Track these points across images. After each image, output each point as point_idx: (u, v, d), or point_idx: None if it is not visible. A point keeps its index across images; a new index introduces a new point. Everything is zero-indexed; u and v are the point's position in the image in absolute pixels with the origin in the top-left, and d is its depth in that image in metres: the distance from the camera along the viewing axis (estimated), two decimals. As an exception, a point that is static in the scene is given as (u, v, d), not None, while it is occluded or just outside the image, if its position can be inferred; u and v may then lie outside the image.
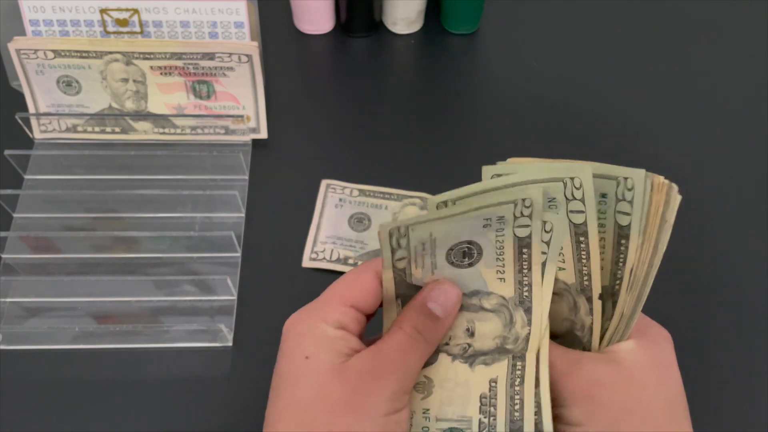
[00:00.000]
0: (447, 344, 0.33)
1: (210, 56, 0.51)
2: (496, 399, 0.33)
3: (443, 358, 0.33)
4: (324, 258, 0.51)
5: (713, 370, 0.48)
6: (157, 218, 0.52)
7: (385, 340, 0.31)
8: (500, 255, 0.32)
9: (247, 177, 0.55)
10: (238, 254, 0.51)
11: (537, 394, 0.32)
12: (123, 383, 0.46)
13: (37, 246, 0.51)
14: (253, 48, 0.51)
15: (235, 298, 0.49)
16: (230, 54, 0.51)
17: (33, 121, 0.55)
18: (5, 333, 0.47)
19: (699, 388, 0.33)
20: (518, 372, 0.32)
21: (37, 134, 0.55)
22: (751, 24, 0.69)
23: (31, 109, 0.55)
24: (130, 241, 0.51)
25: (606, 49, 0.66)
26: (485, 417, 0.33)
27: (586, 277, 0.32)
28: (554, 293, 0.33)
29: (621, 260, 0.31)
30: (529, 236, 0.31)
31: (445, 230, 0.31)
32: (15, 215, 0.52)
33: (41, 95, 0.54)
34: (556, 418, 0.31)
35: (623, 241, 0.31)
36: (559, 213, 0.31)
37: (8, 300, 0.48)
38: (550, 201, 0.31)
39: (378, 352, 0.30)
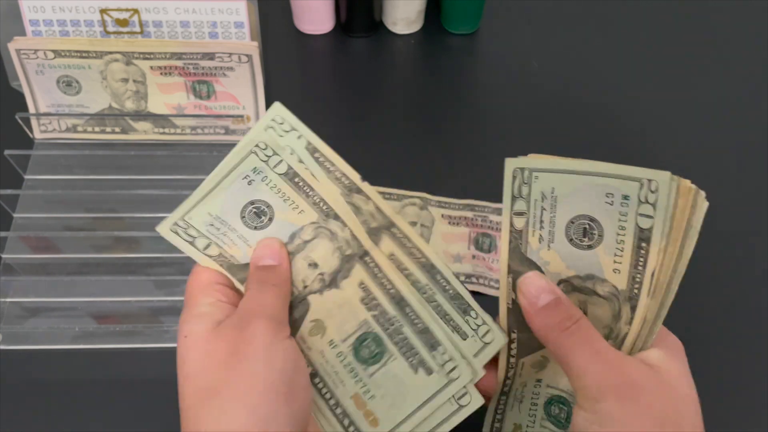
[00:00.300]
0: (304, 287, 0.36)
1: (210, 56, 0.51)
2: (372, 292, 0.35)
3: (313, 298, 0.36)
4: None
5: (725, 382, 0.48)
6: (157, 218, 0.52)
7: (243, 299, 0.34)
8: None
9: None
10: (238, 254, 0.51)
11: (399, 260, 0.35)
12: (123, 383, 0.46)
13: (37, 246, 0.51)
14: (253, 48, 0.51)
15: (235, 298, 0.49)
16: (230, 54, 0.51)
17: (33, 121, 0.55)
18: (5, 333, 0.47)
19: (710, 399, 0.33)
20: (371, 264, 0.35)
21: (37, 134, 0.55)
22: (752, 22, 0.69)
23: (31, 109, 0.55)
24: (130, 241, 0.51)
25: (606, 48, 0.66)
26: (373, 310, 0.35)
27: (637, 285, 0.31)
28: (602, 297, 0.33)
29: (641, 264, 0.31)
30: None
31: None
32: (15, 215, 0.52)
33: (41, 95, 0.54)
34: (581, 406, 0.31)
35: (644, 245, 0.30)
36: (629, 213, 0.31)
37: (8, 300, 0.48)
38: (624, 198, 0.31)
39: (240, 307, 0.34)
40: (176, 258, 0.50)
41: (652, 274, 0.30)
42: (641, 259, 0.31)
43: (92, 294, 0.49)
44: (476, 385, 0.37)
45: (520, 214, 0.32)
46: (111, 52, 0.51)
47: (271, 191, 0.35)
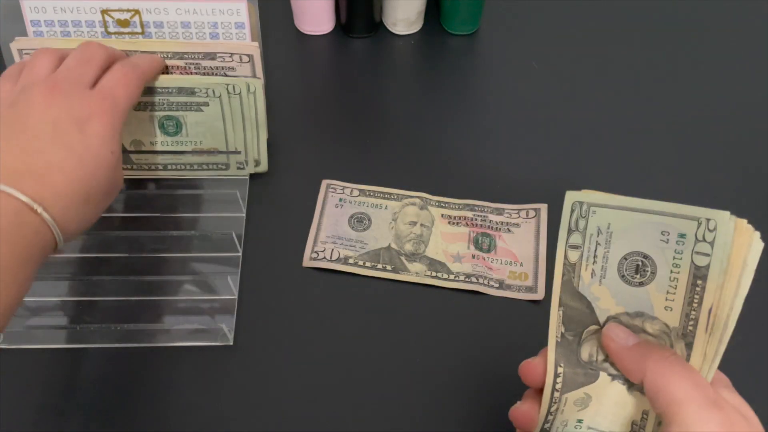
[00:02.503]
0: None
1: (211, 56, 0.51)
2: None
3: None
4: (324, 258, 0.51)
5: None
6: (157, 218, 0.52)
7: None
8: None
9: (247, 177, 0.55)
10: (239, 254, 0.51)
11: None
12: (123, 383, 0.46)
13: (38, 246, 0.51)
14: (254, 48, 0.51)
15: (235, 297, 0.49)
16: (231, 54, 0.51)
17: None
18: (5, 333, 0.47)
19: None
20: None
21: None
22: (753, 23, 0.69)
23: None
24: (131, 240, 0.51)
25: (606, 49, 0.66)
26: None
27: (692, 323, 0.32)
28: (652, 335, 0.33)
29: (696, 301, 0.31)
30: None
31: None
32: (16, 215, 0.52)
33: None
34: None
35: (699, 282, 0.31)
36: (684, 252, 0.31)
37: (9, 300, 0.48)
38: (680, 236, 0.31)
39: None
40: (176, 258, 0.50)
41: (710, 311, 0.31)
42: (696, 296, 0.31)
43: (92, 294, 0.49)
44: (517, 418, 0.37)
45: (575, 247, 0.33)
46: (112, 53, 0.51)
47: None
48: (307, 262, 0.51)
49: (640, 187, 0.56)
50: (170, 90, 0.50)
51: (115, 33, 0.52)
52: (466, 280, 0.50)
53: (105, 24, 0.52)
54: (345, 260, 0.51)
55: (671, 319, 0.32)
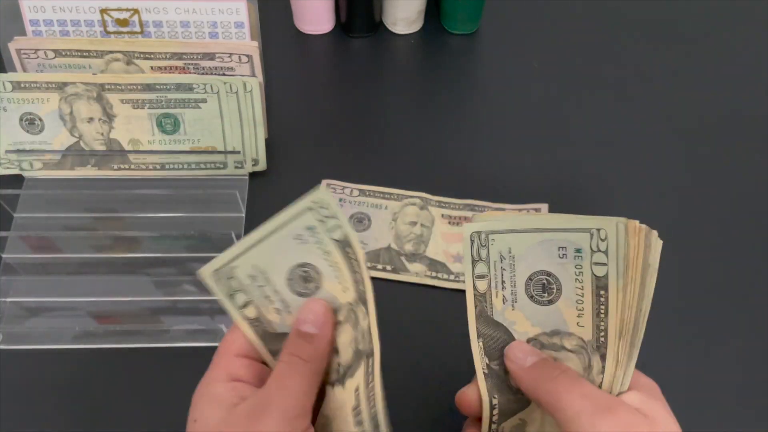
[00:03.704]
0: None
1: (210, 56, 0.51)
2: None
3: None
4: (324, 258, 0.51)
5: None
6: (157, 218, 0.52)
7: (268, 379, 0.32)
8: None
9: (247, 176, 0.55)
10: (238, 254, 0.51)
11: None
12: (123, 383, 0.46)
13: (38, 246, 0.51)
14: (254, 48, 0.51)
15: (235, 297, 0.49)
16: (230, 54, 0.51)
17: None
18: (5, 333, 0.47)
19: None
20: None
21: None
22: (755, 24, 0.69)
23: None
24: (131, 240, 0.51)
25: (606, 48, 0.66)
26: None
27: (602, 334, 0.32)
28: (570, 351, 0.33)
29: (602, 312, 0.31)
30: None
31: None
32: (15, 215, 0.52)
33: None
34: None
35: (602, 292, 0.31)
36: (583, 265, 0.31)
37: (8, 300, 0.48)
38: (576, 251, 0.31)
39: (260, 390, 0.31)
40: (176, 258, 0.50)
41: (619, 317, 0.31)
42: (602, 307, 0.31)
43: (92, 294, 0.49)
44: None
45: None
46: (111, 52, 0.51)
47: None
48: (306, 262, 0.51)
49: (641, 187, 0.56)
50: (168, 87, 0.50)
51: (114, 32, 0.52)
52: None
53: (104, 23, 0.52)
54: (345, 260, 0.51)
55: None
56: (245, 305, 0.33)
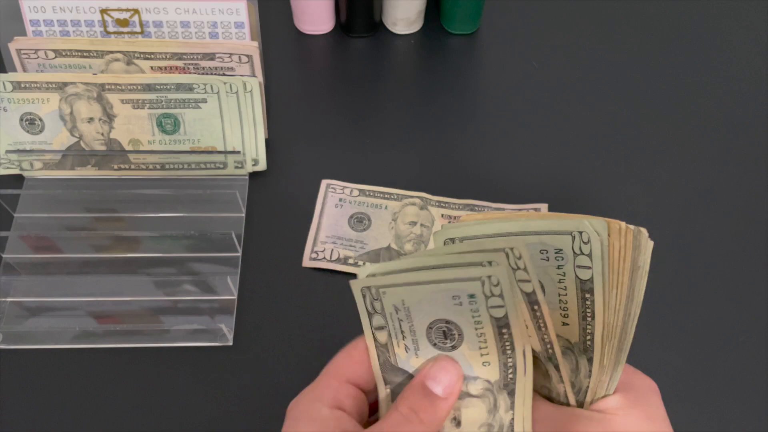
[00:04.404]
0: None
1: (210, 56, 0.51)
2: None
3: None
4: (324, 258, 0.51)
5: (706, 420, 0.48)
6: (157, 218, 0.52)
7: (380, 423, 0.30)
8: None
9: (247, 177, 0.55)
10: (239, 254, 0.51)
11: None
12: (123, 383, 0.46)
13: (38, 246, 0.51)
14: (254, 48, 0.51)
15: (235, 297, 0.49)
16: (230, 54, 0.51)
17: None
18: (5, 333, 0.47)
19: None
20: None
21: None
22: (755, 24, 0.69)
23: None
24: (131, 240, 0.51)
25: (606, 48, 0.66)
26: None
27: (589, 337, 0.31)
28: (475, 396, 0.32)
29: (588, 315, 0.30)
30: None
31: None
32: (15, 215, 0.52)
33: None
34: None
35: (587, 296, 0.30)
36: (565, 266, 0.30)
37: (8, 300, 0.48)
38: (557, 252, 0.30)
39: None
40: (176, 258, 0.50)
41: (605, 321, 0.30)
42: (588, 311, 0.30)
43: (92, 294, 0.49)
44: None
45: (380, 328, 0.32)
46: (111, 52, 0.51)
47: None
48: (306, 262, 0.51)
49: (642, 186, 0.56)
50: (168, 87, 0.50)
51: (114, 32, 0.52)
52: None
53: (104, 23, 0.52)
54: (345, 260, 0.51)
55: (492, 374, 0.31)
56: (380, 329, 0.31)
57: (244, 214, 0.53)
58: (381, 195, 0.54)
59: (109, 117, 0.52)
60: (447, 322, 0.31)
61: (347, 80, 0.63)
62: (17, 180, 0.54)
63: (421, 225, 0.53)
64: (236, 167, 0.54)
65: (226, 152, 0.54)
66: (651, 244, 0.30)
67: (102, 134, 0.52)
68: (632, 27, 0.68)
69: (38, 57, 0.51)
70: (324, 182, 0.55)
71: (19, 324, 0.48)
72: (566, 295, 0.31)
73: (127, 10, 0.51)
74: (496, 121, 0.60)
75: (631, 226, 0.29)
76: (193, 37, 0.53)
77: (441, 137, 0.59)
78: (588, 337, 0.31)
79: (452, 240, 0.32)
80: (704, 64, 0.65)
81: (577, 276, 0.30)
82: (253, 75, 0.53)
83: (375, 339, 0.32)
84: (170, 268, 0.50)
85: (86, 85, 0.50)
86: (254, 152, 0.54)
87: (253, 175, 0.55)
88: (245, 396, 0.45)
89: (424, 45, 0.66)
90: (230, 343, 0.47)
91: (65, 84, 0.50)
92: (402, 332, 0.31)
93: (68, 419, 0.44)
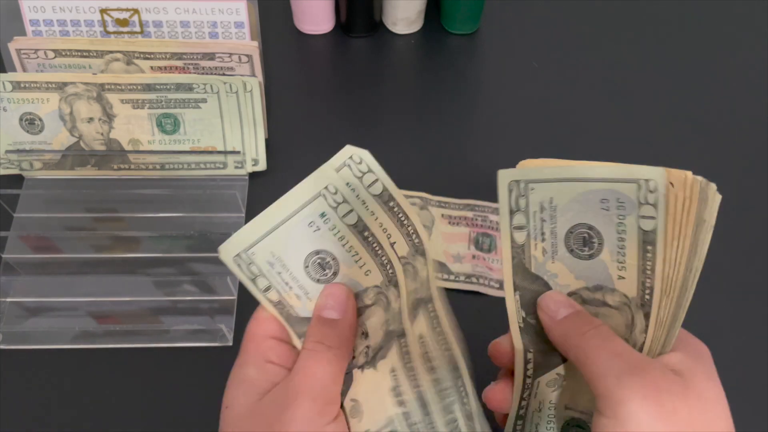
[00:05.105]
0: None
1: (210, 56, 0.51)
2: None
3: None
4: (324, 258, 0.51)
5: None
6: (157, 218, 0.52)
7: (294, 366, 0.31)
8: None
9: (247, 177, 0.55)
10: (238, 254, 0.51)
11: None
12: (123, 383, 0.46)
13: (38, 246, 0.51)
14: (254, 48, 0.51)
15: (235, 297, 0.49)
16: (230, 54, 0.51)
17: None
18: (5, 333, 0.47)
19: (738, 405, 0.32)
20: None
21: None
22: (754, 24, 0.69)
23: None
24: (131, 240, 0.51)
25: (606, 49, 0.66)
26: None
27: (648, 291, 0.30)
28: (613, 307, 0.31)
29: (648, 268, 0.29)
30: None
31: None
32: (15, 215, 0.52)
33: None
34: (603, 413, 0.29)
35: (649, 248, 0.29)
36: (627, 217, 0.29)
37: (8, 300, 0.48)
38: (619, 202, 0.29)
39: (288, 379, 0.30)
40: (176, 258, 0.50)
41: (663, 275, 0.29)
42: (649, 263, 0.29)
43: (92, 294, 0.49)
44: (490, 399, 0.36)
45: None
46: (111, 52, 0.51)
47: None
48: (306, 262, 0.51)
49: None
50: (168, 87, 0.50)
51: (114, 32, 0.52)
52: (466, 280, 0.50)
53: (104, 23, 0.52)
54: (345, 260, 0.51)
55: (628, 290, 0.30)
56: (267, 289, 0.32)
57: (244, 215, 0.53)
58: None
59: (108, 117, 0.52)
60: (317, 252, 0.31)
61: (347, 80, 0.63)
62: (17, 180, 0.54)
63: (422, 225, 0.53)
64: (236, 167, 0.54)
65: (226, 152, 0.54)
66: (719, 198, 0.28)
67: (102, 134, 0.52)
68: (632, 27, 0.68)
69: (38, 57, 0.51)
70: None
71: (19, 324, 0.48)
72: (625, 247, 0.30)
73: (127, 9, 0.51)
74: (496, 121, 0.60)
75: (699, 177, 0.28)
76: (192, 36, 0.53)
77: (441, 137, 0.59)
78: (647, 292, 0.30)
79: (517, 182, 0.31)
80: (705, 63, 0.65)
81: (640, 227, 0.29)
82: (253, 75, 0.53)
83: (269, 300, 0.32)
84: (170, 268, 0.50)
85: (86, 85, 0.50)
86: (254, 152, 0.54)
87: (253, 176, 0.55)
88: (245, 396, 0.45)
89: (424, 45, 0.66)
90: (230, 343, 0.47)
91: (65, 84, 0.50)
92: (286, 283, 0.31)
93: (68, 419, 0.44)
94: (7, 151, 0.52)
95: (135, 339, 0.47)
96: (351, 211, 0.30)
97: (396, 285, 0.31)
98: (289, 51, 0.65)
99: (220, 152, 0.54)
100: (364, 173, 0.31)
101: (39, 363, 0.46)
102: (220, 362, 0.46)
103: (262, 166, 0.55)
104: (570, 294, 0.33)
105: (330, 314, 0.31)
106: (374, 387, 0.33)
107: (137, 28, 0.52)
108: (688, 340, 0.32)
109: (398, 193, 0.31)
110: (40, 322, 0.48)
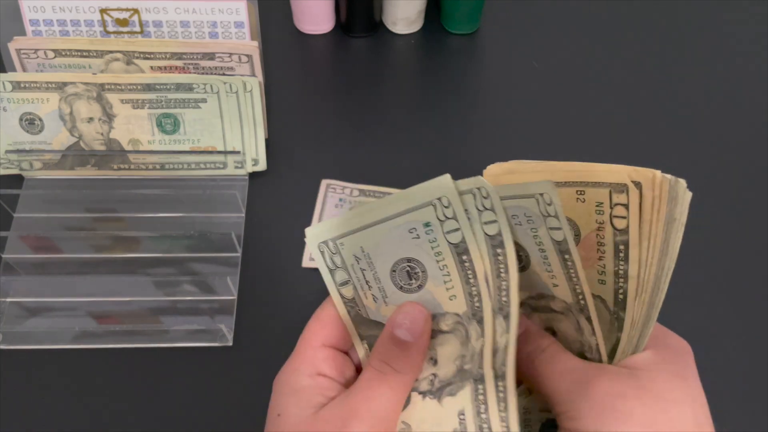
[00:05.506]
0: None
1: (210, 56, 0.51)
2: None
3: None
4: (324, 258, 0.51)
5: (734, 384, 0.48)
6: (157, 218, 0.52)
7: (356, 383, 0.30)
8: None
9: (247, 177, 0.55)
10: (238, 254, 0.51)
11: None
12: (123, 383, 0.46)
13: (38, 246, 0.51)
14: (254, 48, 0.51)
15: (235, 297, 0.49)
16: (230, 54, 0.51)
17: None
18: (5, 333, 0.47)
19: (720, 404, 0.31)
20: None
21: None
22: (753, 26, 0.69)
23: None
24: (130, 240, 0.51)
25: (606, 49, 0.66)
26: None
27: (581, 296, 0.30)
28: (559, 312, 0.31)
29: (573, 275, 0.29)
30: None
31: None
32: (15, 215, 0.52)
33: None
34: (563, 428, 0.29)
35: (567, 257, 0.29)
36: (540, 229, 0.29)
37: (8, 300, 0.48)
38: (528, 218, 0.29)
39: (347, 397, 0.29)
40: (176, 258, 0.50)
41: (636, 275, 0.29)
42: (572, 271, 0.29)
43: (92, 294, 0.49)
44: None
45: (344, 283, 0.31)
46: (111, 52, 0.51)
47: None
48: (306, 263, 0.51)
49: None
50: (168, 87, 0.50)
51: (113, 32, 0.52)
52: None
53: (104, 23, 0.52)
54: (345, 260, 0.51)
55: (564, 296, 0.30)
56: (344, 284, 0.31)
57: (243, 215, 0.53)
58: (381, 195, 0.54)
59: (108, 117, 0.52)
60: (409, 260, 0.30)
61: (347, 80, 0.63)
62: (17, 180, 0.54)
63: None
64: (236, 167, 0.54)
65: (226, 152, 0.54)
66: (689, 195, 0.28)
67: (102, 134, 0.52)
68: (632, 27, 0.68)
69: (38, 57, 0.51)
70: (324, 182, 0.55)
71: (18, 324, 0.48)
72: (548, 258, 0.30)
73: (127, 9, 0.51)
74: (496, 120, 0.60)
75: (668, 176, 0.27)
76: (192, 36, 0.53)
77: (441, 137, 0.59)
78: (580, 297, 0.30)
79: (325, 243, 0.31)
80: (705, 63, 0.65)
81: (552, 238, 0.29)
82: (253, 75, 0.53)
83: (341, 295, 0.31)
84: (170, 269, 0.50)
85: (86, 85, 0.50)
86: (254, 152, 0.54)
87: (253, 175, 0.55)
88: (245, 396, 0.45)
89: (424, 45, 0.66)
90: (230, 344, 0.47)
91: (65, 84, 0.50)
92: (367, 282, 0.31)
93: (68, 419, 0.44)
94: (7, 151, 0.53)
95: (135, 339, 0.47)
96: (457, 230, 0.29)
97: (480, 321, 0.30)
98: (289, 51, 0.65)
99: (220, 152, 0.54)
100: (485, 209, 0.29)
101: (39, 363, 0.46)
102: (220, 362, 0.47)
103: (262, 166, 0.55)
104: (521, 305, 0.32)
105: (404, 335, 0.30)
106: (435, 421, 0.31)
107: (137, 28, 0.52)
108: (667, 338, 0.32)
109: (511, 246, 0.29)
110: (40, 322, 0.48)
